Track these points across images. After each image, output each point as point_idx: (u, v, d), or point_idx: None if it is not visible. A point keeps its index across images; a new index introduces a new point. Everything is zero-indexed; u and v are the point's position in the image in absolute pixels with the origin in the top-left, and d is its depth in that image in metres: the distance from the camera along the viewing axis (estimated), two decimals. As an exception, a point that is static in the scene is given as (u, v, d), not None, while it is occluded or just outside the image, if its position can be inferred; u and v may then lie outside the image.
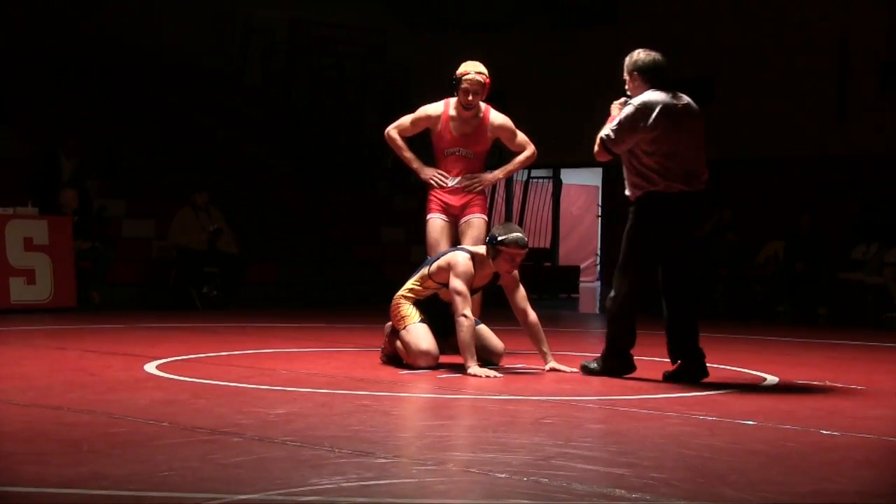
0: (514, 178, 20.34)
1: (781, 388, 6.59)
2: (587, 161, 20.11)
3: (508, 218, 20.27)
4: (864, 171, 16.41)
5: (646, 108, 6.50)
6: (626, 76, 6.75)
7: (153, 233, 14.26)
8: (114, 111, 16.77)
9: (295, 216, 16.34)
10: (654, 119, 6.48)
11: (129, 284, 13.51)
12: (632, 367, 6.74)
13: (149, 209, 14.61)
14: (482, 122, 7.88)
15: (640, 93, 6.61)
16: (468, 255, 7.05)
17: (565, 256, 21.46)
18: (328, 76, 19.16)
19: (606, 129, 6.63)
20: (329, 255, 15.70)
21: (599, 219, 20.80)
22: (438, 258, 7.15)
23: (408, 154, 7.97)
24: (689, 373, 6.57)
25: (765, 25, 17.47)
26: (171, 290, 13.14)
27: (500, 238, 6.94)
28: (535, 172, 19.27)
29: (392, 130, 7.98)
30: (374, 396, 5.91)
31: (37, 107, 16.02)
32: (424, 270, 7.19)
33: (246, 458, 4.12)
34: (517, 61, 20.03)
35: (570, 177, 20.83)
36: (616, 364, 6.72)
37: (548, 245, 19.78)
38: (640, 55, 6.68)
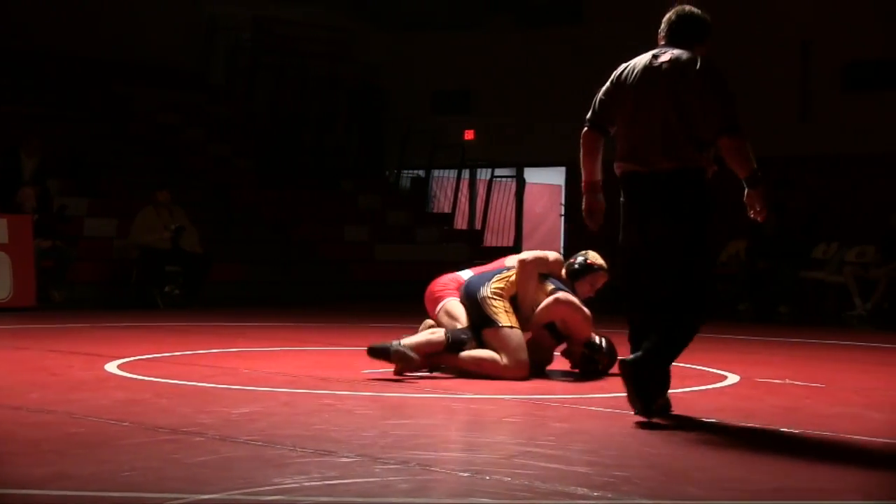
0: (478, 177, 20.39)
1: (743, 387, 6.63)
2: (550, 160, 20.28)
3: (472, 215, 20.30)
4: (827, 171, 16.53)
5: None
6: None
7: (115, 232, 14.16)
8: (76, 109, 16.65)
9: (259, 215, 16.28)
10: None
11: (90, 283, 13.41)
12: None
13: (110, 208, 14.51)
14: None
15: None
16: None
17: (529, 255, 21.44)
18: (293, 75, 19.11)
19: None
20: (293, 254, 15.66)
21: (562, 218, 20.85)
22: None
23: None
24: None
25: (728, 26, 17.54)
26: (132, 289, 13.06)
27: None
28: (498, 171, 19.30)
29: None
30: (337, 395, 5.90)
31: (-3, 104, 15.89)
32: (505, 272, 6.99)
33: (209, 458, 4.11)
34: (483, 60, 20.06)
35: (533, 176, 20.88)
36: None
37: (511, 244, 19.81)
38: None
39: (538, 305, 6.83)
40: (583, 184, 5.40)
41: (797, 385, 6.72)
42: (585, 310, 6.82)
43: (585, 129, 5.42)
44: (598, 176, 5.37)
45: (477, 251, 18.27)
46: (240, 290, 14.46)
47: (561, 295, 6.78)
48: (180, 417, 4.99)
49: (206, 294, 13.31)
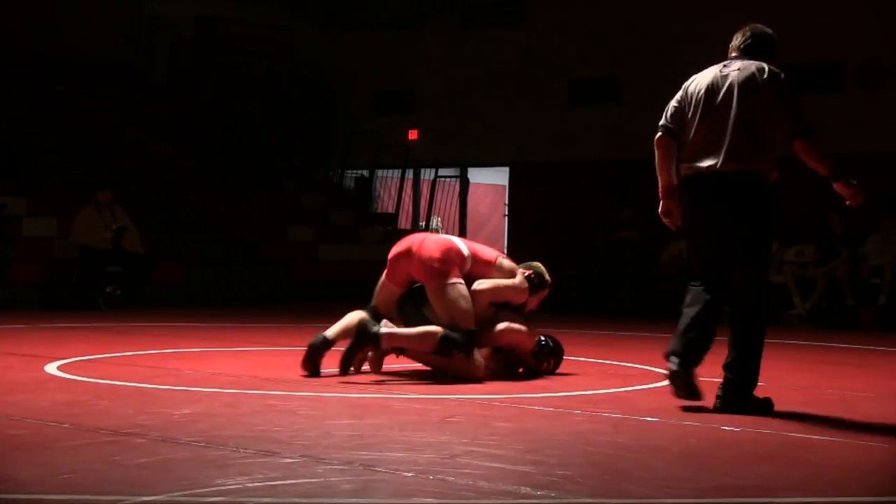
0: (422, 177, 20.40)
1: (685, 386, 6.66)
2: (495, 160, 20.34)
3: (416, 216, 20.30)
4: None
5: None
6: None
7: (55, 232, 14.01)
8: (15, 107, 16.45)
9: (201, 215, 16.18)
10: None
11: (30, 284, 13.26)
12: None
13: (50, 207, 14.35)
14: None
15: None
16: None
17: (473, 255, 21.47)
18: (235, 74, 19.01)
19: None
20: (236, 254, 15.57)
21: (506, 218, 20.93)
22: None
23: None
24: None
25: (670, 27, 17.71)
26: (73, 290, 12.93)
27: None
28: (442, 171, 19.32)
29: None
30: (280, 396, 5.88)
31: (-68, 102, 15.66)
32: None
33: (150, 460, 4.08)
34: (426, 60, 20.06)
35: (477, 176, 20.93)
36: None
37: (455, 244, 19.85)
38: None
39: (486, 318, 6.79)
40: (660, 189, 5.71)
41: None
42: (523, 327, 6.83)
43: (659, 134, 5.74)
44: (675, 180, 5.69)
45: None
46: (182, 290, 14.37)
47: (502, 326, 6.78)
48: (121, 419, 4.95)
49: (147, 294, 13.21)
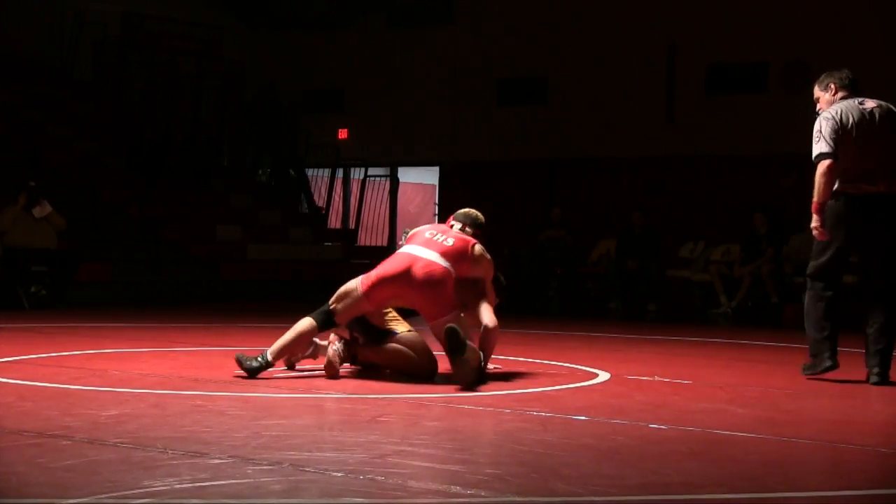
0: (352, 177, 20.36)
1: (613, 384, 6.74)
2: (424, 159, 20.36)
3: (346, 215, 20.25)
4: (692, 171, 16.90)
5: None
6: None
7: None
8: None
9: (128, 214, 16.00)
10: None
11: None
12: None
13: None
14: None
15: None
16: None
17: (403, 255, 21.46)
18: (162, 71, 18.82)
19: None
20: (164, 254, 15.42)
21: (436, 217, 20.95)
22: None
23: None
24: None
25: (598, 27, 17.84)
26: (-4, 290, 12.73)
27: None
28: (372, 171, 19.29)
29: None
30: (208, 396, 5.84)
31: None
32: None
33: (76, 462, 4.04)
34: (354, 59, 20.03)
35: (406, 175, 20.93)
36: None
37: (385, 243, 19.84)
38: None
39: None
40: (817, 205, 6.63)
41: (665, 382, 6.86)
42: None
43: (830, 161, 6.61)
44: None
45: (351, 250, 18.25)
46: (108, 290, 14.20)
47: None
48: (46, 420, 4.89)
49: (73, 294, 13.04)
